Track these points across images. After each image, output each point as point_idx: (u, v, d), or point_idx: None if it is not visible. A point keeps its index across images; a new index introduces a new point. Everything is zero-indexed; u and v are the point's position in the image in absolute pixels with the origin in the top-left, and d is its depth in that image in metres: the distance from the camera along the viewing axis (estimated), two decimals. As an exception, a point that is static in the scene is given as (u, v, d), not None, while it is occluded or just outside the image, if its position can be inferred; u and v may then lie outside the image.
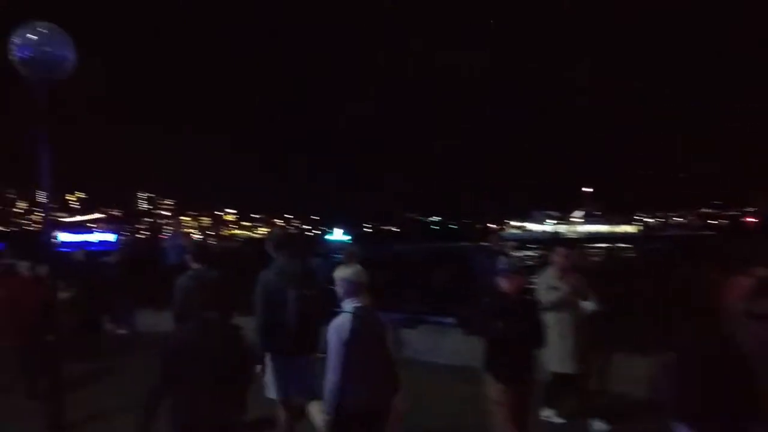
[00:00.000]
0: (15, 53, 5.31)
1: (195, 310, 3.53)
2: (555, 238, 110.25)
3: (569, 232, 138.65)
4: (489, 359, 4.68)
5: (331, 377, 3.70)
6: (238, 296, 5.36)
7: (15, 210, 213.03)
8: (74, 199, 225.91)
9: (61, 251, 8.78)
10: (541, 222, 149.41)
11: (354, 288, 3.86)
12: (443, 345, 8.40)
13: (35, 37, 5.32)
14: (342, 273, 3.91)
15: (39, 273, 7.46)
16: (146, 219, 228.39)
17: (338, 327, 3.72)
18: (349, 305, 3.84)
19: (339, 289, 3.91)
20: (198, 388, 3.26)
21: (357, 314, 3.74)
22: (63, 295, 7.94)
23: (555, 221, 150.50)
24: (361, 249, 8.91)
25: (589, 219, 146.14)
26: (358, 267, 4.01)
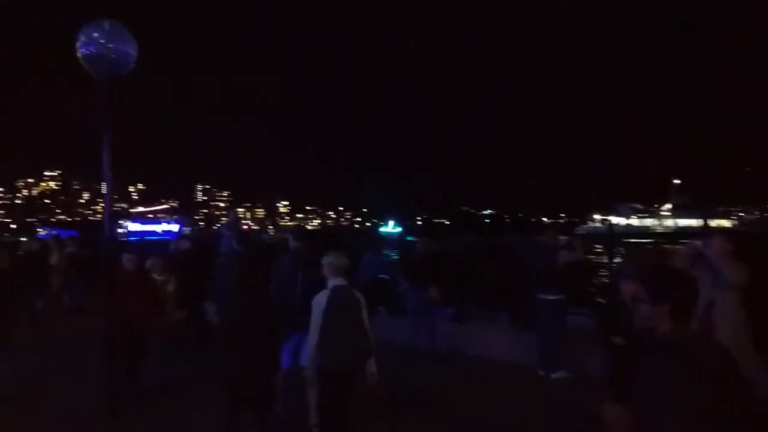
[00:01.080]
0: (80, 50, 5.54)
1: (235, 284, 4.59)
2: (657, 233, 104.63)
3: (657, 226, 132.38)
4: (614, 374, 4.23)
5: (310, 339, 4.57)
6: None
7: (79, 201, 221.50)
8: (135, 190, 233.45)
9: (166, 240, 8.61)
10: (627, 216, 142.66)
11: (334, 270, 4.69)
12: (495, 340, 8.31)
13: (99, 35, 5.53)
14: (326, 258, 4.73)
15: (147, 266, 7.30)
16: (203, 210, 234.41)
17: (319, 300, 4.59)
18: (330, 283, 4.68)
19: (325, 270, 4.73)
20: (246, 349, 4.23)
21: (335, 291, 4.61)
22: (170, 287, 7.56)
23: (642, 215, 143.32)
24: (431, 243, 8.90)
25: (679, 212, 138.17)
26: (340, 253, 4.83)
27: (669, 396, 2.18)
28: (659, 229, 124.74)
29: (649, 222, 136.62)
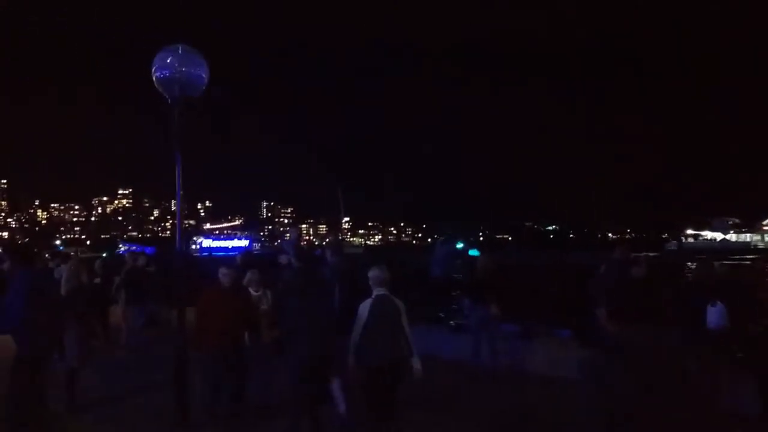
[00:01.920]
0: (155, 73, 5.83)
1: (296, 293, 5.40)
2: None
3: (758, 242, 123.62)
4: None
5: (353, 340, 5.26)
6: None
7: (150, 218, 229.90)
8: (202, 207, 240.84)
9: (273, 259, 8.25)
10: (724, 231, 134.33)
11: (377, 281, 5.40)
12: (559, 358, 8.12)
13: (173, 59, 5.80)
14: (370, 272, 5.45)
15: (244, 281, 6.93)
16: (267, 226, 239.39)
17: (362, 306, 5.35)
18: (374, 293, 5.40)
19: (370, 282, 5.43)
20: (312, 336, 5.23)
21: (376, 299, 5.35)
22: (265, 303, 7.01)
23: (740, 230, 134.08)
24: (492, 259, 8.83)
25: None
26: (383, 267, 5.52)
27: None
28: (761, 245, 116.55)
29: (748, 237, 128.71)
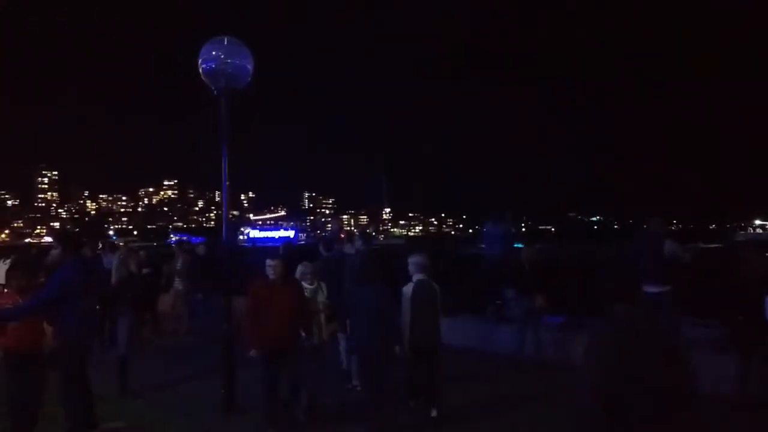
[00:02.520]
0: (202, 65, 5.92)
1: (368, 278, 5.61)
2: None
3: None
4: None
5: (404, 321, 5.65)
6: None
7: (195, 208, 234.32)
8: (245, 198, 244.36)
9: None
10: None
11: (417, 267, 5.80)
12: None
13: (219, 51, 5.88)
14: (411, 258, 5.86)
15: (297, 274, 6.29)
16: (309, 217, 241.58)
17: (405, 291, 5.77)
18: (414, 278, 5.81)
19: (410, 267, 5.84)
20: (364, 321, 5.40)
21: (417, 283, 5.76)
22: (320, 297, 6.40)
23: None
24: (536, 250, 8.73)
25: None
26: (423, 254, 5.95)
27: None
28: None
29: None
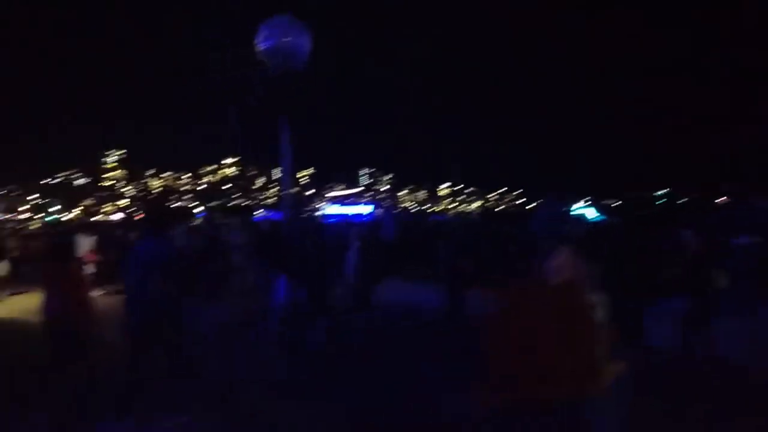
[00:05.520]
0: (260, 44, 5.95)
1: None
2: None
3: None
4: None
5: None
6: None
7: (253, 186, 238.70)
8: (306, 174, 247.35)
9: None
10: None
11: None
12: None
13: (277, 30, 5.89)
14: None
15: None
16: (367, 194, 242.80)
17: None
18: None
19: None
20: None
21: None
22: None
23: None
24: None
25: None
26: None
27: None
28: None
29: None
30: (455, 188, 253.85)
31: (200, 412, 5.49)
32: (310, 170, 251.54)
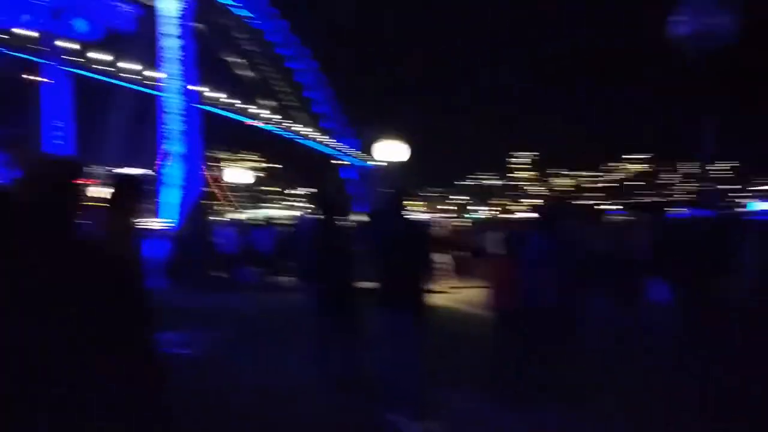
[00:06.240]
0: (673, 30, 5.59)
1: None
2: None
3: None
4: None
5: None
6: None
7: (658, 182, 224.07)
8: (727, 168, 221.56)
9: None
10: None
11: None
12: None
13: (692, 11, 5.45)
14: None
15: None
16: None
17: None
18: None
19: None
20: None
21: None
22: None
23: None
24: None
25: None
26: None
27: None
28: None
29: None
30: None
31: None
32: (734, 163, 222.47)
